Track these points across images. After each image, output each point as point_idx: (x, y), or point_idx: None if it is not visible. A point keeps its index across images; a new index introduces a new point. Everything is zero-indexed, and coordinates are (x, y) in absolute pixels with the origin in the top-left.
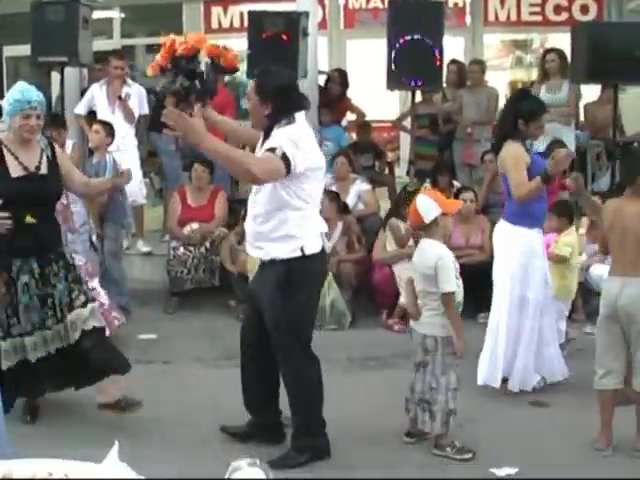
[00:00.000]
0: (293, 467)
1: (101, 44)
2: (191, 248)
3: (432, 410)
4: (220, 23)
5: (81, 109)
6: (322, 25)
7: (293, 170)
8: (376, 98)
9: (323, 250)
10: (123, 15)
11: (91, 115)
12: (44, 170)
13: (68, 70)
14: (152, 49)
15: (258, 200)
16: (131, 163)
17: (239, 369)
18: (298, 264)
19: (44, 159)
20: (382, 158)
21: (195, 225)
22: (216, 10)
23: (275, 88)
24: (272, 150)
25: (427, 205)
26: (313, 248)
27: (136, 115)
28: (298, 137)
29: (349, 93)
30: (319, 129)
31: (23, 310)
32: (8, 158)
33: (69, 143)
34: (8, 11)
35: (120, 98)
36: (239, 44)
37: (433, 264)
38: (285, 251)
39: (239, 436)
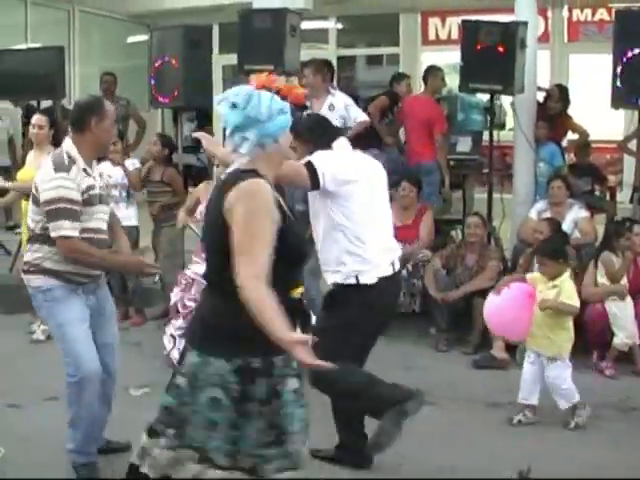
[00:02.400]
0: None
1: (316, 54)
2: None
3: None
4: (437, 34)
5: None
6: (544, 38)
7: (323, 182)
8: (598, 116)
9: (386, 279)
10: (339, 26)
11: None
12: None
13: None
14: (371, 60)
15: (316, 225)
16: None
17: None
18: (350, 293)
19: None
20: (603, 182)
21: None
22: (433, 21)
23: (308, 129)
24: None
25: None
26: (368, 278)
27: (348, 123)
28: (329, 155)
29: (570, 110)
30: (535, 147)
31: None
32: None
33: None
34: (224, 20)
35: None
36: (455, 57)
37: None
38: (340, 277)
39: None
